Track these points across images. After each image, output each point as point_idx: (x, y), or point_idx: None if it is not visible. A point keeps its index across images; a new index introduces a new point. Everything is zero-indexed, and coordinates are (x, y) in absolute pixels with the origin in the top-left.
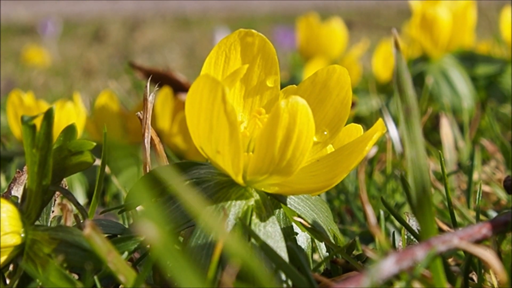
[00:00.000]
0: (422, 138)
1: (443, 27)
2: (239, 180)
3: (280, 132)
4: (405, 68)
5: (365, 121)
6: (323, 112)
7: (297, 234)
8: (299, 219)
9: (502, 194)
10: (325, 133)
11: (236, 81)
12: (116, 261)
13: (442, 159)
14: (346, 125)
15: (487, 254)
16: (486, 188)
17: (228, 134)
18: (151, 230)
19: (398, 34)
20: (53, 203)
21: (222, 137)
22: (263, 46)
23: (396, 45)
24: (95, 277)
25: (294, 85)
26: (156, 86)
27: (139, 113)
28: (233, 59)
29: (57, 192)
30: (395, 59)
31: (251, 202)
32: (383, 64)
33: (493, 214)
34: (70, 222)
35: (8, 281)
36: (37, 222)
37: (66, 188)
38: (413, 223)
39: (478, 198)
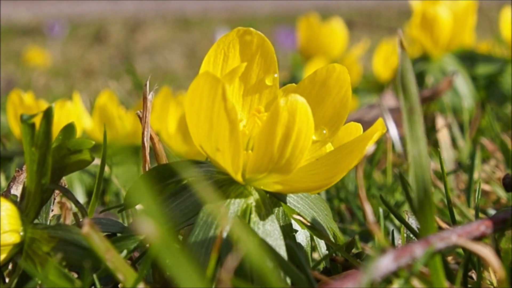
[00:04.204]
0: (425, 136)
1: (443, 27)
2: (238, 178)
3: (279, 130)
4: (410, 67)
5: None
6: (323, 111)
7: (296, 232)
8: (298, 217)
9: (502, 193)
10: (324, 131)
11: (235, 79)
12: (115, 260)
13: (441, 158)
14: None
15: (485, 251)
16: (486, 187)
17: (228, 131)
18: (150, 228)
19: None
20: (52, 202)
21: (222, 135)
22: (262, 44)
23: (402, 45)
24: (94, 276)
25: (294, 84)
26: (156, 85)
27: (138, 112)
28: (232, 57)
29: (57, 191)
30: (400, 58)
31: (250, 200)
32: (383, 64)
33: (492, 212)
34: (69, 220)
35: (7, 280)
36: (36, 221)
37: (65, 186)
38: (412, 222)
39: (477, 196)
